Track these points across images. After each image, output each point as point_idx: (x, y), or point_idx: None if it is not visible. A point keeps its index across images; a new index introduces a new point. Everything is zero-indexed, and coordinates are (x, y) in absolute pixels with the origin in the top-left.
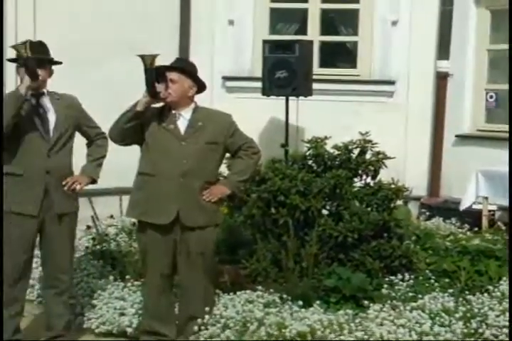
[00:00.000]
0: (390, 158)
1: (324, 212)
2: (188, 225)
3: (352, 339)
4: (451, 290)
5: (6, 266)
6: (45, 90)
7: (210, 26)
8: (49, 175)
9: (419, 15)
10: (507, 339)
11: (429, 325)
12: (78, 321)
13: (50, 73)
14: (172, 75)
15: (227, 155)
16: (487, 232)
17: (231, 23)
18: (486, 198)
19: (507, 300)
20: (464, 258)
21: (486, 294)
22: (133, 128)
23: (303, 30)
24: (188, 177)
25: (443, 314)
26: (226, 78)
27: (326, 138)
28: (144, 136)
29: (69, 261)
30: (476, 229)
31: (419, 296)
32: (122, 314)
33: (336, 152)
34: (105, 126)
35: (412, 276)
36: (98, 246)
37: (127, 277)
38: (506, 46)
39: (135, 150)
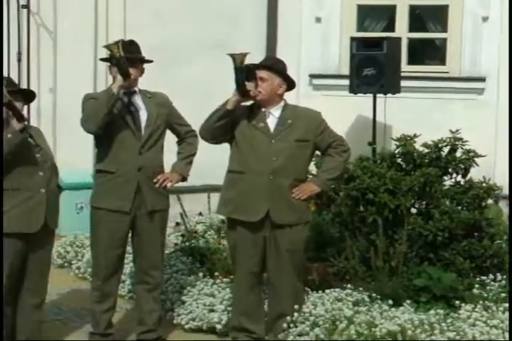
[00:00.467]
0: (480, 156)
1: (413, 210)
2: (278, 223)
3: (444, 339)
4: None
5: (99, 262)
6: (136, 89)
7: (297, 24)
8: (141, 173)
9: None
10: None
11: None
12: (168, 317)
13: (142, 72)
14: (262, 73)
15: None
16: None
17: (318, 20)
18: None
19: None
20: None
21: None
22: (223, 127)
23: (391, 27)
24: (277, 175)
25: None
26: (313, 76)
27: (415, 135)
28: (234, 134)
29: (160, 257)
30: None
31: None
32: (212, 310)
33: (426, 150)
34: (195, 124)
35: (504, 276)
36: (187, 243)
37: (216, 274)
38: None
39: (223, 148)
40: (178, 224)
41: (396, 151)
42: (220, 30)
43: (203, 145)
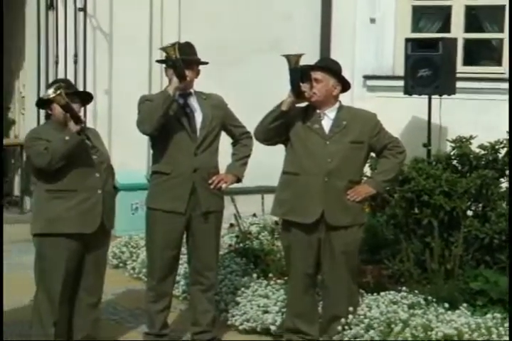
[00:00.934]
0: None
1: (469, 212)
2: (333, 225)
3: None
4: None
5: (155, 263)
6: (192, 90)
7: (351, 25)
8: (196, 174)
9: None
10: None
11: None
12: (222, 317)
13: (197, 74)
14: (317, 75)
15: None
16: None
17: (373, 21)
18: None
19: None
20: None
21: None
22: (278, 128)
23: (446, 27)
24: (332, 176)
25: None
26: (367, 77)
27: (471, 137)
28: (289, 136)
29: (215, 258)
30: None
31: None
32: (266, 312)
33: (482, 152)
34: (249, 126)
35: None
36: (241, 244)
37: (270, 275)
38: None
39: (278, 149)
40: (232, 225)
41: (452, 153)
42: (274, 31)
43: (257, 146)
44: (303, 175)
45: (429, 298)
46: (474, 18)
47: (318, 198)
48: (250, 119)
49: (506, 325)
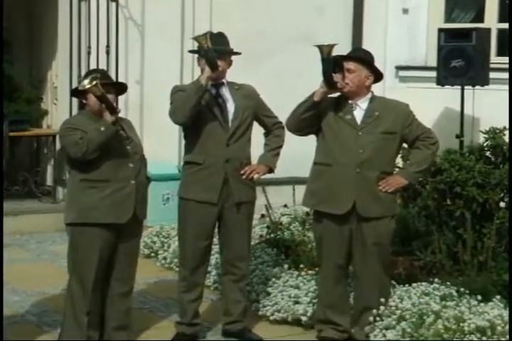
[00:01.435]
0: None
1: (502, 204)
2: (364, 216)
3: None
4: None
5: (187, 253)
6: (224, 80)
7: (383, 15)
8: (228, 164)
9: None
10: None
11: None
12: (254, 308)
13: (230, 64)
14: (349, 65)
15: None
16: None
17: (405, 11)
18: None
19: None
20: None
21: None
22: (310, 119)
23: (480, 17)
24: (364, 167)
25: None
26: (399, 68)
27: (504, 128)
28: (321, 126)
29: (246, 248)
30: None
31: None
32: (297, 302)
33: None
34: (281, 116)
35: None
36: (272, 235)
37: (301, 266)
38: None
39: (309, 139)
40: (263, 215)
41: (485, 144)
42: (306, 21)
43: (289, 137)
44: (334, 165)
45: (462, 289)
46: (508, 8)
47: (350, 189)
48: (282, 110)
49: None
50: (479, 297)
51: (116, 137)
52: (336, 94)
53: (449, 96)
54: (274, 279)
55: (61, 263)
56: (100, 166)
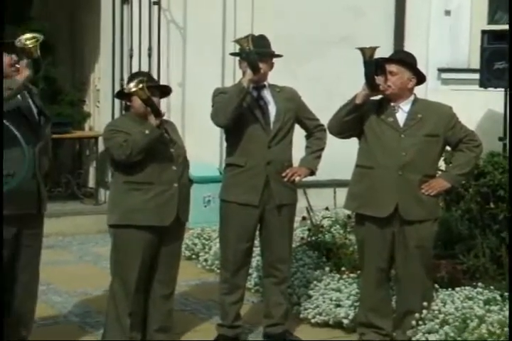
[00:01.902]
0: None
1: None
2: (407, 219)
3: None
4: None
5: (228, 255)
6: (266, 83)
7: (425, 17)
8: (269, 166)
9: None
10: None
11: None
12: (295, 311)
13: (271, 66)
14: (391, 67)
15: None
16: None
17: (447, 13)
18: None
19: None
20: None
21: None
22: (352, 121)
23: None
24: (407, 170)
25: None
26: (442, 70)
27: None
28: (363, 129)
29: (288, 251)
30: None
31: None
32: (338, 305)
33: None
34: (322, 119)
35: None
36: (313, 238)
37: (342, 269)
38: None
39: (350, 142)
40: (304, 218)
41: None
42: (347, 23)
43: (330, 139)
44: (377, 168)
45: (506, 294)
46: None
47: (392, 192)
48: (323, 112)
49: None
50: None
51: (161, 140)
52: (378, 97)
53: (492, 98)
54: (315, 282)
55: (103, 264)
56: (144, 168)
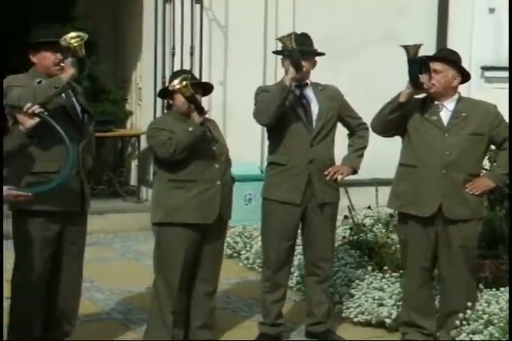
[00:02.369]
0: None
1: None
2: (451, 218)
3: None
4: None
5: (270, 253)
6: (308, 81)
7: (469, 15)
8: (312, 165)
9: None
10: None
11: None
12: (337, 309)
13: (314, 64)
14: (436, 65)
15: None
16: None
17: (492, 11)
18: None
19: None
20: None
21: None
22: (395, 120)
23: None
24: (451, 169)
25: None
26: (485, 68)
27: None
28: (406, 127)
29: (330, 250)
30: None
31: None
32: (381, 304)
33: None
34: (364, 117)
35: None
36: (355, 237)
37: (385, 268)
38: None
39: (392, 141)
40: (346, 217)
41: None
42: (389, 21)
43: (372, 138)
44: (420, 167)
45: None
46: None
47: (436, 191)
48: (366, 110)
49: None
50: None
51: (204, 138)
52: (422, 95)
53: None
54: (357, 281)
55: (145, 262)
56: (187, 166)
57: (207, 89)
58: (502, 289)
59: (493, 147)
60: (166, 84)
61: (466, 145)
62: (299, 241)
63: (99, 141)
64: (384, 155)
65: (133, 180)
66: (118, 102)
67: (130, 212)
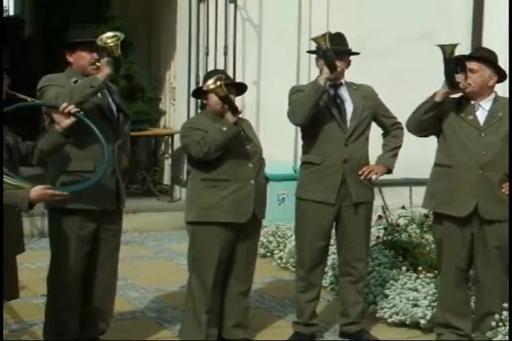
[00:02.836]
0: None
1: None
2: (487, 218)
3: None
4: None
5: (304, 253)
6: (342, 81)
7: (505, 14)
8: (346, 164)
9: None
10: None
11: None
12: (371, 310)
13: (348, 64)
14: (472, 65)
15: None
16: None
17: None
18: None
19: None
20: None
21: None
22: (431, 119)
23: None
24: (487, 169)
25: None
26: None
27: None
28: (442, 127)
29: (364, 249)
30: None
31: None
32: (415, 305)
33: None
34: (399, 117)
35: None
36: (389, 237)
37: (419, 268)
38: None
39: (426, 140)
40: (380, 217)
41: None
42: (424, 20)
43: (406, 137)
44: (456, 167)
45: None
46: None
47: (472, 191)
48: (401, 110)
49: None
50: None
51: (238, 137)
52: (458, 95)
53: None
54: (391, 281)
55: (179, 261)
56: (221, 166)
57: (241, 88)
58: None
59: None
60: (200, 84)
61: (502, 145)
62: (332, 240)
63: (133, 140)
64: (418, 155)
65: (166, 179)
66: (152, 102)
67: (164, 211)
